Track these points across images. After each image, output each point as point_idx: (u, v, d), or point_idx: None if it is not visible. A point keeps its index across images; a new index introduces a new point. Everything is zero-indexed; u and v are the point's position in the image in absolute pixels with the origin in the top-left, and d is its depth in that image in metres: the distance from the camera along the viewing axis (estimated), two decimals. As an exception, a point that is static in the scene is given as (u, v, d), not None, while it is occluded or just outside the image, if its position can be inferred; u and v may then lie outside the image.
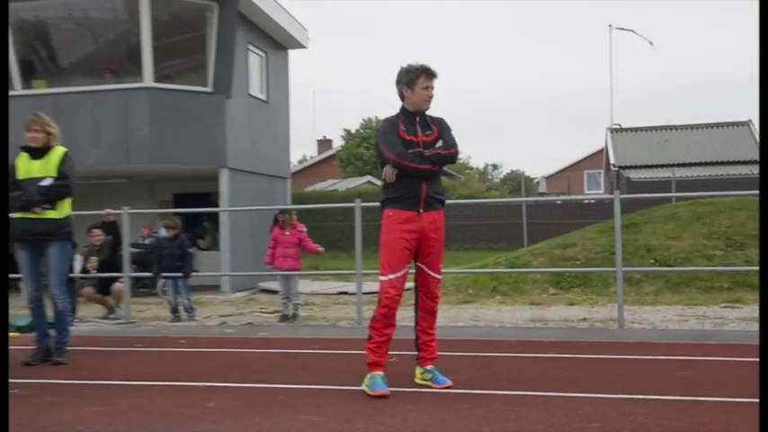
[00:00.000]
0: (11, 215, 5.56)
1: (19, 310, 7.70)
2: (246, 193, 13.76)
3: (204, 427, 3.71)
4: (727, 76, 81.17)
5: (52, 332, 5.73)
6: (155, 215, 14.52)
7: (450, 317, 8.43)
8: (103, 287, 9.38)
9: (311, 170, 34.98)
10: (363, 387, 4.42)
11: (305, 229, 9.01)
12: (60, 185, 5.52)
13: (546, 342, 6.34)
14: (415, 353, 4.67)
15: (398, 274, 4.45)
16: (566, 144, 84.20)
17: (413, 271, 4.65)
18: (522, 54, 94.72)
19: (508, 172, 56.08)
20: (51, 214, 5.52)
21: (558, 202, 22.79)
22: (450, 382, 4.48)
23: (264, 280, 13.02)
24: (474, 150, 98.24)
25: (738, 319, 7.71)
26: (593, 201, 23.36)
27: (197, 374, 5.12)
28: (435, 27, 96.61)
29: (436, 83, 4.60)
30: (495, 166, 60.33)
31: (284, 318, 8.69)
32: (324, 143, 38.65)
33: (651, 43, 53.23)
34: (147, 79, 12.33)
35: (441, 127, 4.63)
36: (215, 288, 12.73)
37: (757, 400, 3.99)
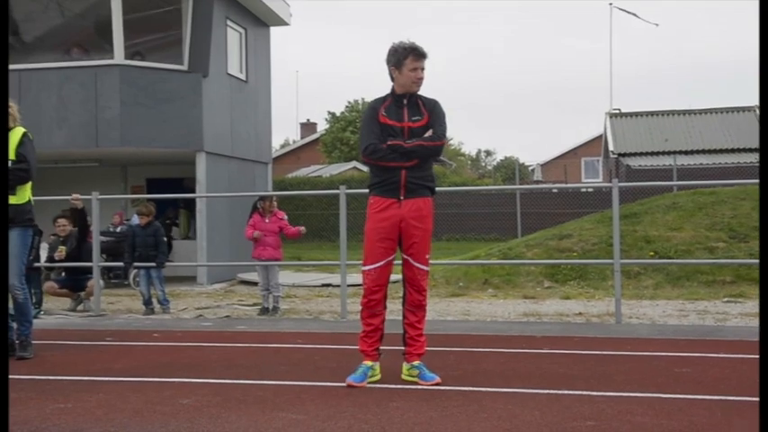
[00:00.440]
0: None
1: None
2: (225, 179, 13.71)
3: (178, 425, 3.70)
4: (732, 59, 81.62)
5: (14, 325, 5.67)
6: (127, 201, 14.46)
7: (440, 310, 8.46)
8: (71, 281, 9.31)
9: (294, 155, 34.90)
10: None
11: (285, 217, 8.99)
12: (19, 169, 5.45)
13: (540, 337, 6.38)
14: (402, 348, 4.68)
15: (377, 265, 4.51)
16: (562, 130, 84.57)
17: (399, 262, 4.66)
18: (518, 34, 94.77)
19: (502, 159, 56.25)
20: (11, 200, 5.46)
21: (554, 190, 22.85)
22: (438, 379, 4.50)
23: (243, 271, 13.00)
24: (466, 136, 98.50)
25: (741, 314, 7.79)
26: (590, 189, 23.47)
27: (171, 370, 5.11)
28: (429, 5, 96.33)
29: (427, 63, 4.57)
30: (488, 153, 60.52)
31: (264, 311, 8.69)
32: (307, 126, 38.55)
33: (657, 25, 53.31)
34: (118, 56, 12.21)
35: (433, 113, 4.59)
36: (191, 279, 12.71)
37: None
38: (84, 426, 3.73)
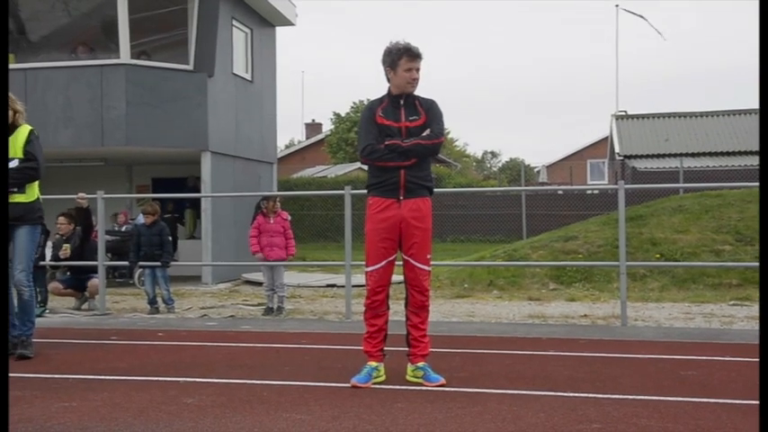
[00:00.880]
0: None
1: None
2: (230, 179, 13.73)
3: (182, 425, 3.70)
4: (740, 61, 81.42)
5: (16, 323, 5.67)
6: (132, 200, 14.50)
7: (445, 312, 8.46)
8: (75, 280, 9.33)
9: (299, 155, 34.92)
10: None
11: (289, 217, 9.00)
12: (28, 167, 5.48)
13: (545, 339, 6.37)
14: (407, 349, 4.68)
15: (379, 266, 4.54)
16: (568, 131, 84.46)
17: (401, 263, 4.67)
18: (523, 35, 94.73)
19: (507, 160, 56.15)
20: (19, 198, 5.48)
21: (560, 192, 22.85)
22: (442, 380, 4.50)
23: (248, 271, 13.01)
24: (472, 137, 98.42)
25: (747, 317, 7.77)
26: (596, 191, 23.44)
27: (175, 369, 5.12)
28: (433, 7, 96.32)
29: (422, 64, 4.56)
30: (493, 154, 60.47)
31: (269, 311, 8.69)
32: (312, 127, 38.57)
33: (660, 33, 53.17)
34: (124, 55, 12.24)
35: (430, 112, 4.60)
36: (196, 279, 12.73)
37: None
38: (89, 424, 3.74)
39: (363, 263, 4.71)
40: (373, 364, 4.58)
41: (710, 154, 23.56)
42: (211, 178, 12.97)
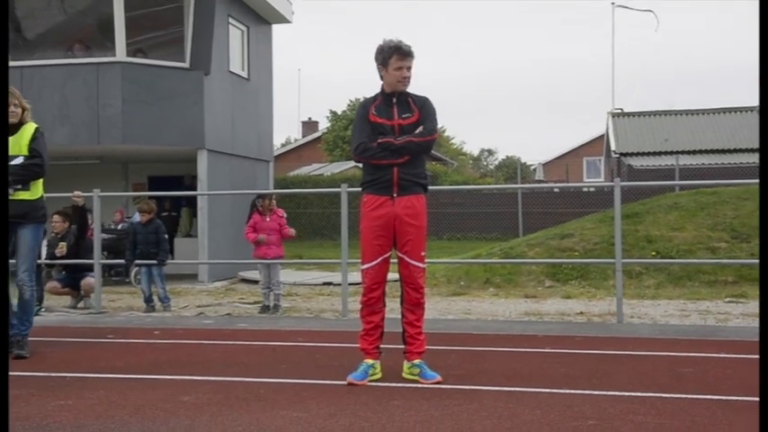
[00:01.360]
0: None
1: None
2: (226, 177, 13.72)
3: (179, 422, 3.70)
4: (736, 59, 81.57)
5: (14, 322, 5.65)
6: (128, 199, 14.48)
7: (441, 309, 8.47)
8: (71, 279, 9.32)
9: (295, 153, 34.88)
10: None
11: (285, 215, 9.00)
12: (34, 164, 5.47)
13: (541, 336, 6.38)
14: (403, 346, 4.68)
15: (374, 263, 4.55)
16: (564, 129, 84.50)
17: (396, 260, 4.67)
18: (520, 34, 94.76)
19: (503, 158, 56.15)
20: (24, 195, 5.47)
21: (556, 189, 22.87)
22: (439, 378, 4.51)
23: (244, 269, 13.01)
24: (468, 135, 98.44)
25: (743, 314, 7.79)
26: (592, 189, 23.47)
27: (172, 367, 5.12)
28: (432, 4, 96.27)
29: (416, 62, 4.55)
30: (489, 152, 60.48)
31: (265, 309, 8.69)
32: (309, 125, 38.54)
33: (656, 19, 53.01)
34: (120, 53, 12.22)
35: (423, 109, 4.59)
36: (192, 277, 12.72)
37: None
38: (86, 422, 3.74)
39: (359, 261, 4.71)
40: (369, 361, 4.59)
41: (706, 151, 23.61)
42: (208, 176, 12.96)
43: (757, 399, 3.98)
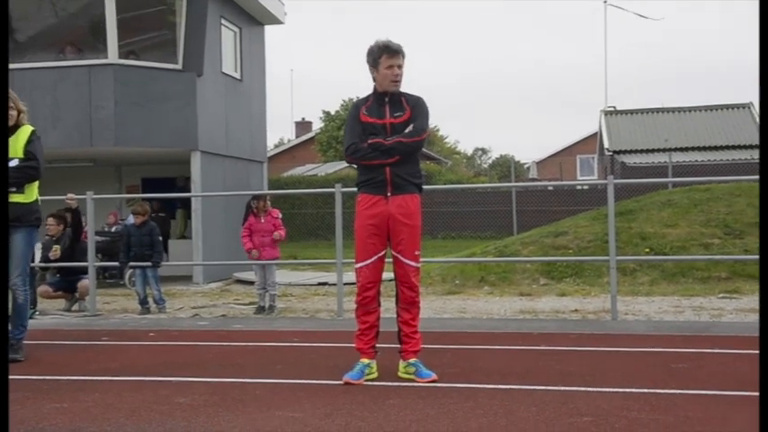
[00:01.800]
0: None
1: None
2: (220, 178, 13.70)
3: (175, 424, 3.70)
4: (728, 57, 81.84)
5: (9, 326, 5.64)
6: (121, 201, 14.45)
7: (436, 308, 8.48)
8: (65, 282, 9.29)
9: (289, 154, 34.86)
10: None
11: (280, 215, 8.99)
12: (29, 167, 5.44)
13: (536, 334, 6.39)
14: (398, 346, 4.69)
15: (369, 262, 4.56)
16: (558, 128, 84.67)
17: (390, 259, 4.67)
18: (513, 35, 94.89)
19: (497, 157, 56.14)
20: (18, 198, 5.43)
21: (550, 188, 22.94)
22: (434, 376, 4.52)
23: (239, 270, 13.00)
24: (462, 134, 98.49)
25: (736, 310, 7.82)
26: (585, 187, 23.56)
27: (167, 369, 5.12)
28: (424, 7, 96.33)
29: (405, 61, 4.54)
30: (483, 151, 60.50)
31: (260, 309, 8.69)
32: (302, 125, 38.50)
33: (645, 16, 52.97)
34: (112, 55, 12.19)
35: (414, 108, 4.59)
36: (187, 279, 12.71)
37: (755, 394, 4.07)
38: (82, 425, 3.74)
39: (354, 260, 4.71)
40: (365, 360, 4.60)
41: (698, 148, 23.68)
42: (201, 178, 12.94)
43: (751, 393, 4.01)
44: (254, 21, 15.68)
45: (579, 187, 24.28)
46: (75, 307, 9.26)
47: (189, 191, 13.15)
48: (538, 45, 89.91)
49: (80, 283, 9.12)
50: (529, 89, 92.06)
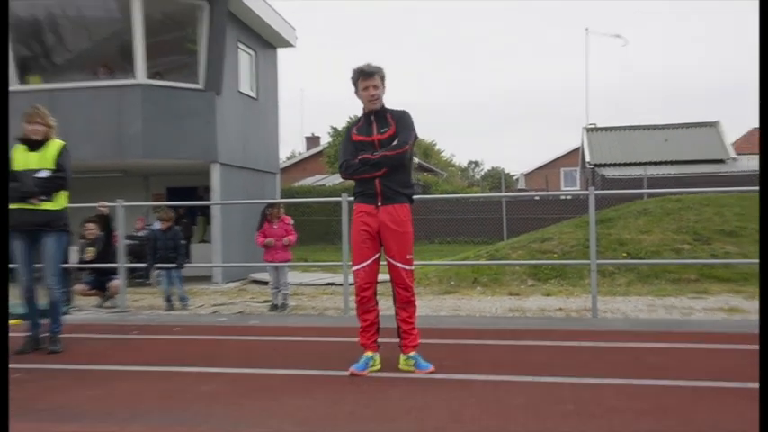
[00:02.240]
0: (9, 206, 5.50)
1: (17, 299, 7.65)
2: (237, 188, 13.73)
3: (198, 410, 3.73)
4: (697, 79, 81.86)
5: (45, 321, 5.68)
6: (149, 208, 14.47)
7: (434, 307, 8.49)
8: (98, 282, 9.33)
9: (299, 166, 34.87)
10: None
11: (292, 222, 9.02)
12: (58, 177, 5.48)
13: (524, 330, 6.39)
14: (398, 341, 4.71)
15: (364, 264, 4.54)
16: (543, 143, 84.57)
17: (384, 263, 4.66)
18: (504, 56, 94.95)
19: (489, 169, 56.20)
20: (48, 206, 5.47)
21: (536, 197, 22.92)
22: (432, 368, 4.54)
23: (255, 271, 13.02)
24: (457, 149, 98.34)
25: (705, 308, 7.83)
26: (569, 197, 23.53)
27: (191, 360, 5.13)
28: (424, 30, 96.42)
29: (383, 80, 4.53)
30: (476, 164, 60.48)
31: (274, 307, 8.70)
32: (312, 140, 38.52)
33: (624, 41, 52.98)
34: (140, 76, 12.25)
35: (398, 122, 4.55)
36: (207, 279, 12.72)
37: (721, 384, 4.09)
38: (114, 410, 3.76)
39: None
40: (369, 354, 4.61)
41: (671, 162, 23.71)
42: (220, 187, 12.99)
43: (717, 383, 4.04)
44: (268, 44, 15.74)
45: (563, 197, 24.25)
46: (108, 304, 9.28)
47: (209, 199, 13.19)
48: (527, 68, 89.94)
49: (111, 283, 9.16)
50: (518, 108, 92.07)
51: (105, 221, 8.98)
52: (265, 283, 10.72)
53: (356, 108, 4.69)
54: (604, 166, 24.00)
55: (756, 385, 4.00)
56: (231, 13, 13.30)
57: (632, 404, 3.68)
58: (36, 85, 12.76)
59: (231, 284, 12.44)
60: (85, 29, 13.72)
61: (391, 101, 4.66)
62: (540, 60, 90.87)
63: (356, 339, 4.77)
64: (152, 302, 9.48)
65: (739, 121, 72.27)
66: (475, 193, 31.46)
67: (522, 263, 10.66)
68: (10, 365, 4.37)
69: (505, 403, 3.74)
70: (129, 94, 12.30)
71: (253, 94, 14.85)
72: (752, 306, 7.79)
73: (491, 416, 3.52)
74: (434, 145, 44.55)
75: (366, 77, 4.51)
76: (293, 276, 11.61)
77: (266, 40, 15.53)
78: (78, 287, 9.25)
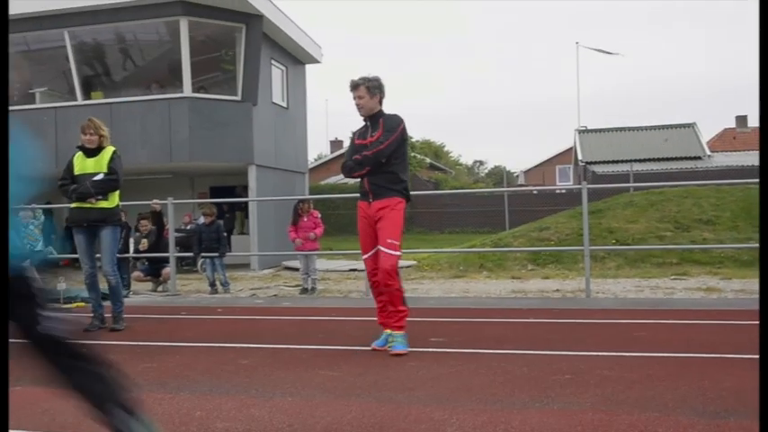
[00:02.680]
0: (70, 205, 5.58)
1: (80, 285, 7.73)
2: (271, 186, 13.77)
3: (239, 380, 3.73)
4: (678, 82, 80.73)
5: (106, 303, 5.74)
6: (194, 205, 14.57)
7: (445, 289, 8.45)
8: (152, 269, 9.41)
9: (325, 166, 34.90)
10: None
11: (319, 215, 9.01)
12: (111, 179, 5.53)
13: (525, 309, 6.35)
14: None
15: (370, 254, 4.47)
16: (540, 143, 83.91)
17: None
18: (506, 67, 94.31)
19: (492, 167, 55.86)
20: (103, 204, 5.52)
21: (535, 192, 22.75)
22: (404, 351, 4.25)
23: (287, 259, 13.05)
24: (464, 149, 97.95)
25: (685, 288, 7.72)
26: (563, 191, 23.32)
27: (232, 337, 5.15)
28: (432, 42, 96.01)
29: (366, 90, 4.40)
30: (480, 163, 60.14)
31: (304, 290, 8.71)
32: (335, 143, 38.54)
33: (611, 53, 52.33)
34: (187, 90, 12.31)
35: (384, 125, 4.42)
36: (246, 266, 12.77)
37: (701, 355, 4.02)
38: (167, 381, 3.78)
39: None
40: (388, 331, 4.51)
41: (654, 159, 23.42)
42: (256, 186, 13.03)
43: (698, 354, 3.97)
44: (297, 60, 15.73)
45: (558, 191, 24.05)
46: (160, 288, 9.35)
47: (246, 197, 13.24)
48: (526, 78, 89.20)
49: (163, 270, 9.21)
50: (518, 113, 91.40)
51: (157, 217, 9.03)
52: (296, 269, 10.74)
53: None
54: (595, 163, 23.76)
55: (735, 355, 3.93)
56: (265, 34, 13.30)
57: (623, 374, 3.62)
58: (98, 99, 12.87)
59: (266, 271, 12.48)
60: (140, 50, 13.82)
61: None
62: (538, 68, 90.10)
63: (376, 319, 4.74)
64: (198, 287, 9.53)
65: (713, 123, 71.15)
66: (480, 188, 31.30)
67: (523, 249, 10.58)
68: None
69: (510, 373, 3.71)
70: (177, 106, 12.36)
71: (284, 104, 14.86)
72: (727, 285, 7.68)
73: (497, 384, 3.49)
74: (443, 146, 44.38)
75: (352, 89, 4.46)
76: (321, 263, 11.62)
77: (296, 57, 15.53)
78: (135, 274, 9.33)
